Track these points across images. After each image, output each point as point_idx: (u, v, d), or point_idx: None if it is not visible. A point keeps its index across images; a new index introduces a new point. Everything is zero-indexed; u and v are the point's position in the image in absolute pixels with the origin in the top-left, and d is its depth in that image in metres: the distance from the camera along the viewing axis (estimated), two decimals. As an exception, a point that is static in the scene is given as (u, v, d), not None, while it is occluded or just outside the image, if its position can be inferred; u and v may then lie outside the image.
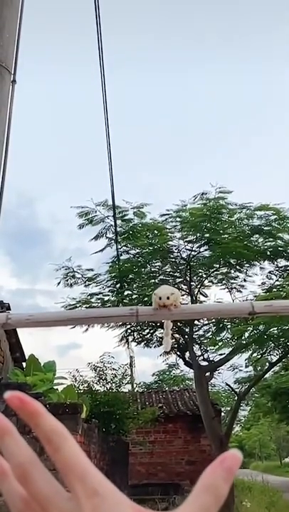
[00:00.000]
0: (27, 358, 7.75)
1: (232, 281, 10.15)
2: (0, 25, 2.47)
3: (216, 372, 10.92)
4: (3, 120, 2.36)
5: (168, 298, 0.83)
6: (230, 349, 9.86)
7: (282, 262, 9.62)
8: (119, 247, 9.61)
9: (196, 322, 9.79)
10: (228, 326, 9.48)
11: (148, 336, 10.83)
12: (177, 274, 10.11)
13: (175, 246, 9.59)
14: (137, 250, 9.81)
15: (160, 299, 0.83)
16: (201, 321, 9.86)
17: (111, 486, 0.32)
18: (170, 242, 9.51)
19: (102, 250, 9.87)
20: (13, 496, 0.33)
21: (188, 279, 9.79)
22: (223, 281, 10.19)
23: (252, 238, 9.23)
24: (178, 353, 11.01)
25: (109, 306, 9.15)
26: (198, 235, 9.20)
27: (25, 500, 0.33)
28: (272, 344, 9.67)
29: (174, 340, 10.96)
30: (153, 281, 9.77)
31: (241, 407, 13.91)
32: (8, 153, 2.54)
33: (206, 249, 9.48)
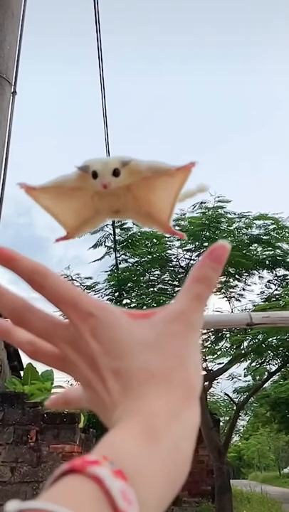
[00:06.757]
0: (25, 366, 7.72)
1: (231, 290, 10.14)
2: (1, 38, 2.50)
3: (215, 381, 10.87)
4: (3, 132, 2.38)
5: (115, 174, 0.41)
6: (229, 358, 9.83)
7: (281, 271, 9.64)
8: (118, 255, 9.62)
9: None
10: (227, 335, 9.47)
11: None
12: (176, 283, 10.12)
13: (174, 255, 9.62)
14: (136, 259, 9.82)
15: (94, 176, 0.43)
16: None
17: (104, 305, 0.33)
18: (169, 251, 9.53)
19: (100, 259, 9.87)
20: (22, 343, 0.35)
21: (186, 287, 9.79)
22: (222, 290, 10.19)
23: (251, 247, 9.26)
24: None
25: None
26: (197, 243, 9.22)
27: (32, 342, 0.34)
28: (271, 353, 9.66)
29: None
30: (152, 289, 9.77)
31: (240, 417, 13.84)
32: (8, 164, 2.55)
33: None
